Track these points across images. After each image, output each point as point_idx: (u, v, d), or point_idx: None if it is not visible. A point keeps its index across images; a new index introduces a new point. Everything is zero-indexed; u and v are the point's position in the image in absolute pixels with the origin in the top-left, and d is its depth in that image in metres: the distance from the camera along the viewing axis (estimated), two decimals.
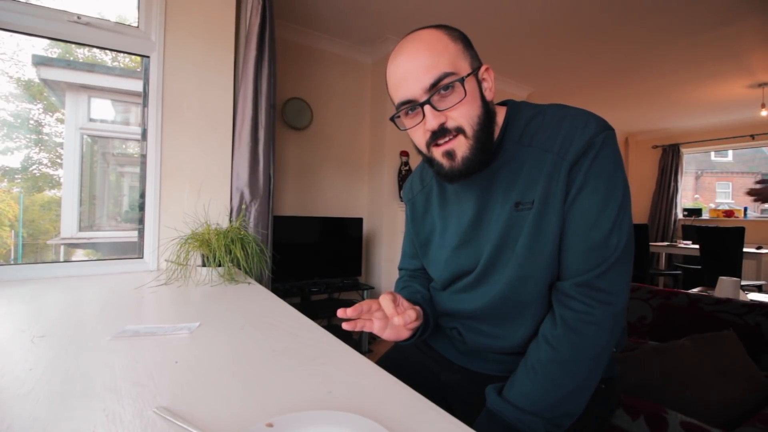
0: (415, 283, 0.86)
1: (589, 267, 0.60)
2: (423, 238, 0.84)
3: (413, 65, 0.62)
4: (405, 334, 0.71)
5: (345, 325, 0.64)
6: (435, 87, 0.61)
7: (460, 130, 0.63)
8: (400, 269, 0.96)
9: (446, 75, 0.61)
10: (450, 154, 0.64)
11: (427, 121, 0.62)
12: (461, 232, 0.73)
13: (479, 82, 0.65)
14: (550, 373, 0.60)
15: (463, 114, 0.62)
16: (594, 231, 0.60)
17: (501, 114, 0.69)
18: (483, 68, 0.66)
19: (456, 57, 0.62)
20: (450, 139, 0.63)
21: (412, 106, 0.63)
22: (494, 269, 0.68)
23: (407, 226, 0.91)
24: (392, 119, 0.68)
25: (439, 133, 0.63)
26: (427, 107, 0.62)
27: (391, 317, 0.63)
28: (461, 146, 0.63)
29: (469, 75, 0.62)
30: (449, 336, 0.81)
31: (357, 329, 0.65)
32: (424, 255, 0.85)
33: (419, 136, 0.66)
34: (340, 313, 0.62)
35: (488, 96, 0.66)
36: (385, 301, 0.64)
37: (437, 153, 0.65)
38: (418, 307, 0.71)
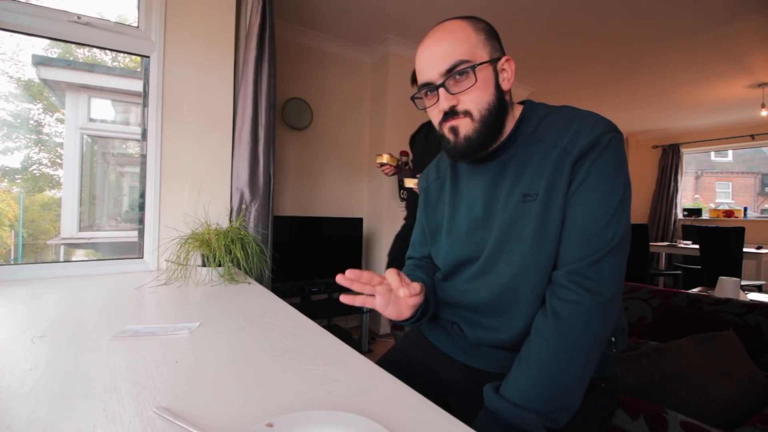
0: (418, 272, 0.88)
1: (582, 256, 0.62)
2: (433, 225, 0.87)
3: (434, 52, 0.68)
4: (406, 312, 0.70)
5: (343, 298, 0.63)
6: (450, 72, 0.67)
7: (467, 113, 0.68)
8: (407, 258, 0.98)
9: (461, 62, 0.66)
10: (454, 130, 0.70)
11: (440, 102, 0.69)
12: (470, 219, 0.75)
13: (497, 72, 0.69)
14: (543, 365, 0.60)
15: (473, 99, 0.68)
16: (591, 222, 0.62)
17: (518, 111, 0.73)
18: (503, 59, 0.70)
19: (475, 46, 0.67)
20: (457, 119, 0.69)
21: (430, 88, 0.70)
22: (500, 259, 0.70)
23: (419, 215, 0.94)
24: (413, 99, 0.75)
25: (450, 114, 0.69)
26: (441, 90, 0.68)
27: (396, 289, 0.62)
28: (466, 126, 0.69)
29: (484, 63, 0.67)
30: (449, 332, 0.81)
31: (356, 304, 0.64)
32: (432, 242, 0.87)
33: (435, 115, 0.72)
34: (339, 278, 0.61)
35: (505, 86, 0.70)
36: (390, 274, 0.63)
37: (446, 128, 0.71)
38: (420, 283, 0.69)
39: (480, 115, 0.68)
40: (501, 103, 0.69)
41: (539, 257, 0.65)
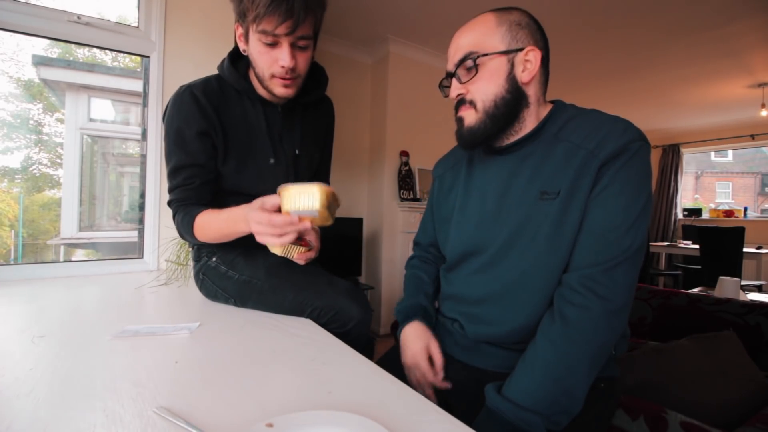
0: (422, 273, 0.89)
1: (597, 262, 0.61)
2: (444, 213, 0.86)
3: (454, 43, 0.73)
4: None
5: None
6: (461, 62, 0.70)
7: (472, 103, 0.70)
8: (415, 243, 0.99)
9: (470, 53, 0.69)
10: (461, 120, 0.73)
11: (451, 91, 0.73)
12: (481, 210, 0.75)
13: (512, 64, 0.68)
14: (548, 368, 0.60)
15: (478, 89, 0.69)
16: (610, 228, 0.61)
17: (546, 109, 0.73)
18: (526, 50, 0.68)
19: (491, 37, 0.68)
20: (464, 108, 0.72)
21: (447, 76, 0.74)
22: (509, 255, 0.69)
23: (430, 201, 0.95)
24: (440, 86, 0.79)
25: (458, 103, 0.73)
26: (453, 79, 0.72)
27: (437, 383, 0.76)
28: (469, 116, 0.71)
29: (492, 54, 0.67)
30: (450, 330, 0.81)
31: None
32: (441, 230, 0.87)
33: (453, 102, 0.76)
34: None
35: (524, 78, 0.69)
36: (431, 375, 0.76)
37: (456, 117, 0.75)
38: (442, 358, 0.78)
39: (484, 105, 0.69)
40: (514, 95, 0.68)
41: (552, 258, 0.65)
